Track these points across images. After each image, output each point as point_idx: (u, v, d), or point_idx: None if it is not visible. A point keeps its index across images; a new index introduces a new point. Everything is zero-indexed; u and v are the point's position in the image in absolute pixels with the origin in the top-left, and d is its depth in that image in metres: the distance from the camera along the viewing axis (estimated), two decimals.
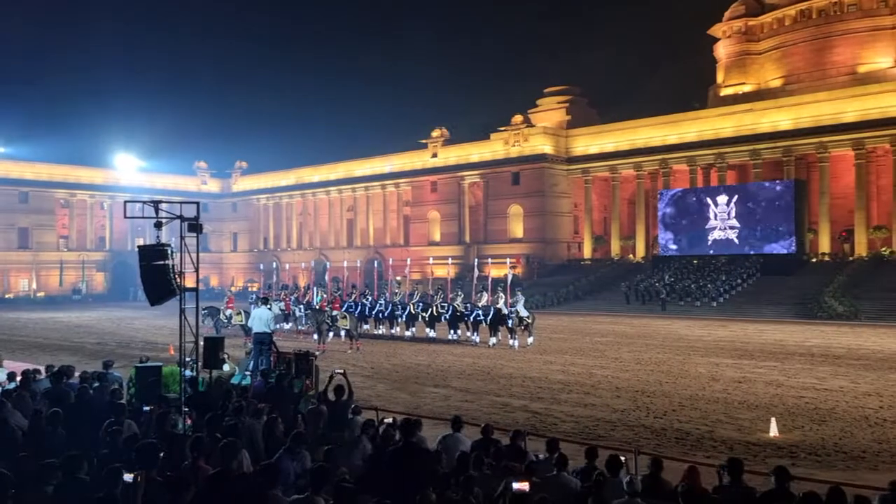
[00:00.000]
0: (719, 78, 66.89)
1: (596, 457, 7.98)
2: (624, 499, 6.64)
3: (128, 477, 6.04)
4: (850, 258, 49.43)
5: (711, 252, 53.67)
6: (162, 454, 7.11)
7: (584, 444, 9.48)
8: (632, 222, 62.38)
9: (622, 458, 7.71)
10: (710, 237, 54.05)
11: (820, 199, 51.85)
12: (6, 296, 69.12)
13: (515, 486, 6.16)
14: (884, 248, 48.94)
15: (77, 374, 13.04)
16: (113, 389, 11.38)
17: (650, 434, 13.11)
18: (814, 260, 50.74)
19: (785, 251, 50.27)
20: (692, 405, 15.78)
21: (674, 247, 56.17)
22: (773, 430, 12.96)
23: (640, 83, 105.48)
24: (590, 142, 63.87)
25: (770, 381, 19.01)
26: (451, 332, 30.03)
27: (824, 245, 51.41)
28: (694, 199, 55.50)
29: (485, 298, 30.24)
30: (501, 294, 29.17)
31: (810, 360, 23.38)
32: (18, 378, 12.46)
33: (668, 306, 47.01)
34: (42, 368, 13.64)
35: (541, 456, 8.29)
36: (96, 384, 11.85)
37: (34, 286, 72.44)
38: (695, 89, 74.14)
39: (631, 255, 60.86)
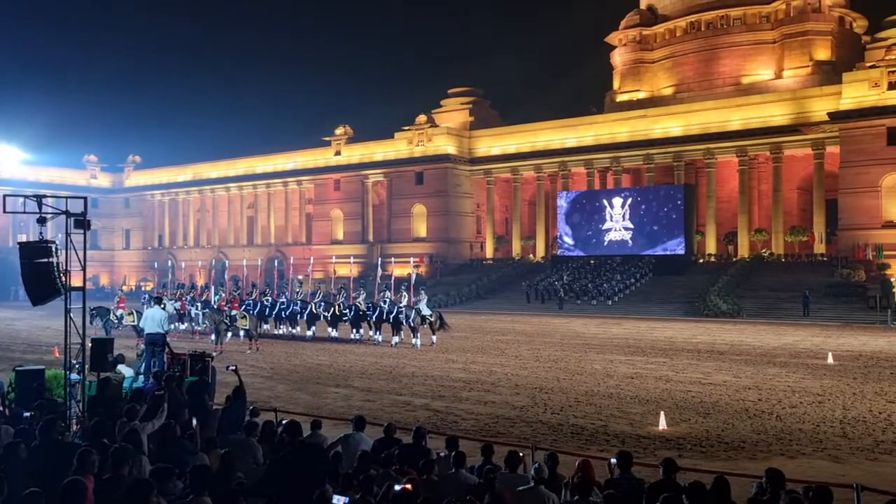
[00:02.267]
0: (615, 84, 69.25)
1: (492, 453, 8.12)
2: (530, 485, 6.81)
3: None
4: (734, 259, 52.30)
5: (607, 252, 55.55)
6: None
7: (484, 441, 9.63)
8: (532, 223, 63.76)
9: (521, 454, 7.88)
10: (607, 238, 55.95)
11: (707, 203, 54.57)
12: None
13: (397, 487, 6.23)
14: (764, 250, 52.04)
15: None
16: None
17: (547, 430, 13.45)
18: (701, 261, 53.39)
19: (675, 252, 52.61)
20: (587, 401, 16.30)
21: (571, 244, 57.82)
22: (662, 424, 13.55)
23: (542, 87, 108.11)
24: (492, 143, 64.87)
25: (660, 376, 19.86)
26: (354, 331, 29.84)
27: (711, 246, 54.18)
28: (591, 200, 57.30)
29: (387, 296, 30.16)
30: (404, 293, 29.24)
31: (697, 356, 24.57)
32: None
33: (565, 305, 48.36)
34: None
35: (442, 454, 8.37)
36: None
37: None
38: (593, 94, 76.64)
39: (531, 255, 62.23)
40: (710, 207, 54.30)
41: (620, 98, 66.91)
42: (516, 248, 63.22)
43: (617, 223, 55.31)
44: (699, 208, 55.33)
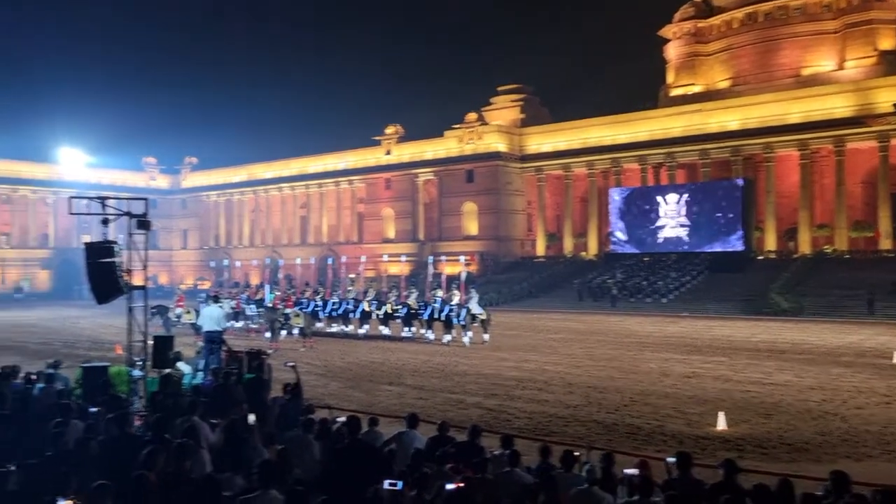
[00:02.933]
0: (669, 78, 68.08)
1: (550, 454, 8.05)
2: (584, 486, 6.74)
3: None
4: (795, 256, 50.88)
5: (662, 249, 54.63)
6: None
7: (538, 440, 9.56)
8: (584, 220, 63.11)
9: (576, 454, 7.79)
10: (661, 235, 55.03)
11: (766, 198, 53.18)
12: None
13: (450, 486, 6.20)
14: (826, 246, 50.49)
15: (21, 374, 12.65)
16: (59, 390, 11.09)
17: (602, 429, 13.28)
18: (760, 257, 52.05)
19: (733, 249, 51.44)
20: (643, 400, 16.04)
21: (625, 241, 57.05)
22: (721, 424, 13.25)
23: (592, 83, 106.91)
24: (543, 140, 64.42)
25: (718, 375, 19.44)
26: (406, 329, 29.99)
27: (770, 243, 52.80)
28: (645, 197, 56.44)
29: (438, 294, 30.22)
30: (455, 291, 29.27)
31: (757, 355, 23.97)
32: None
33: (619, 303, 47.73)
34: None
35: (496, 452, 8.33)
36: (41, 385, 11.52)
37: None
38: (645, 89, 75.39)
39: (583, 253, 61.58)
40: (770, 203, 52.90)
41: (675, 92, 65.74)
42: (568, 245, 62.68)
43: (672, 220, 54.36)
44: (758, 204, 53.92)
